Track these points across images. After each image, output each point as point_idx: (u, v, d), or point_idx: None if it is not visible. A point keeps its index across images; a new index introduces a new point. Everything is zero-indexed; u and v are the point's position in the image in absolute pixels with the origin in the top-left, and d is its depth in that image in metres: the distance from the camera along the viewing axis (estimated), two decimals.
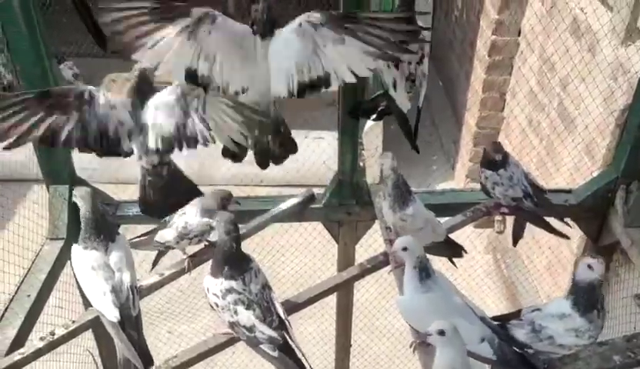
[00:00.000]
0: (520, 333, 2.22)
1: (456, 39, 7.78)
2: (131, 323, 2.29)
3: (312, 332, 4.97)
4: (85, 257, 2.36)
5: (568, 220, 3.23)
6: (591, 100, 4.23)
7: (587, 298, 2.13)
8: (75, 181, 3.12)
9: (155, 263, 3.08)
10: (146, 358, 2.31)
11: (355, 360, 4.52)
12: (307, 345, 3.72)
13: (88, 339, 3.57)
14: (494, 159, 2.83)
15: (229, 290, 2.26)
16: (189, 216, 2.72)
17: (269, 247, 4.92)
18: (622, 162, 3.10)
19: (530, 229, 5.52)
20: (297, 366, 2.28)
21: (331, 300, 3.90)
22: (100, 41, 1.82)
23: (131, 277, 2.37)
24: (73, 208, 2.95)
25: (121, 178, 7.09)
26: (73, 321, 2.60)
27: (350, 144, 3.20)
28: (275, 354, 2.26)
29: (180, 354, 2.45)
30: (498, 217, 6.41)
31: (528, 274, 5.45)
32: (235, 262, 2.28)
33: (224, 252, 2.27)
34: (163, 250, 2.96)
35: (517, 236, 3.19)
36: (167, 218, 2.83)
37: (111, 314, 2.27)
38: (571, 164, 4.66)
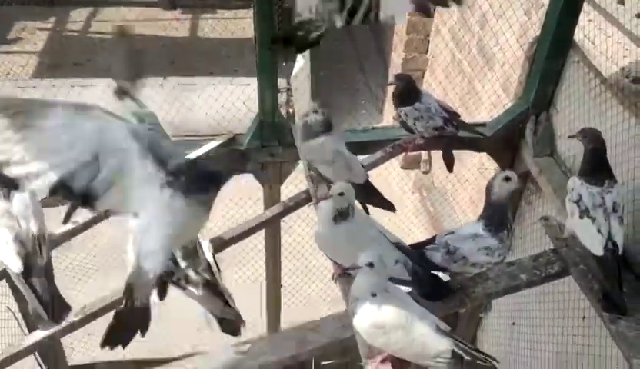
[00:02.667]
0: (436, 256, 2.32)
1: None
2: (38, 272, 2.18)
3: (242, 275, 5.01)
4: None
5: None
6: (508, 36, 4.31)
7: (499, 217, 2.23)
8: None
9: (67, 215, 2.96)
10: (61, 305, 2.23)
11: (286, 299, 4.59)
12: (239, 289, 3.72)
13: (8, 296, 3.44)
14: (395, 84, 2.95)
15: None
16: None
17: None
18: (532, 94, 3.20)
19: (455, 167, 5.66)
20: (222, 301, 2.34)
21: (262, 244, 3.93)
22: None
23: (39, 225, 2.26)
24: None
25: None
26: None
27: (269, 82, 3.13)
28: (200, 293, 2.28)
29: (96, 301, 2.40)
30: (424, 158, 6.57)
31: (452, 210, 5.64)
32: None
33: None
34: None
35: (449, 162, 3.16)
36: None
37: (14, 264, 2.17)
38: (492, 99, 4.78)
